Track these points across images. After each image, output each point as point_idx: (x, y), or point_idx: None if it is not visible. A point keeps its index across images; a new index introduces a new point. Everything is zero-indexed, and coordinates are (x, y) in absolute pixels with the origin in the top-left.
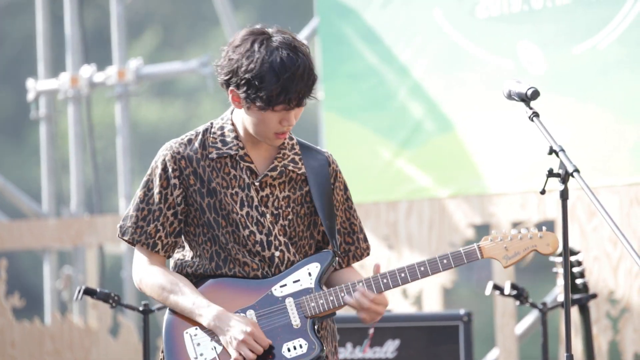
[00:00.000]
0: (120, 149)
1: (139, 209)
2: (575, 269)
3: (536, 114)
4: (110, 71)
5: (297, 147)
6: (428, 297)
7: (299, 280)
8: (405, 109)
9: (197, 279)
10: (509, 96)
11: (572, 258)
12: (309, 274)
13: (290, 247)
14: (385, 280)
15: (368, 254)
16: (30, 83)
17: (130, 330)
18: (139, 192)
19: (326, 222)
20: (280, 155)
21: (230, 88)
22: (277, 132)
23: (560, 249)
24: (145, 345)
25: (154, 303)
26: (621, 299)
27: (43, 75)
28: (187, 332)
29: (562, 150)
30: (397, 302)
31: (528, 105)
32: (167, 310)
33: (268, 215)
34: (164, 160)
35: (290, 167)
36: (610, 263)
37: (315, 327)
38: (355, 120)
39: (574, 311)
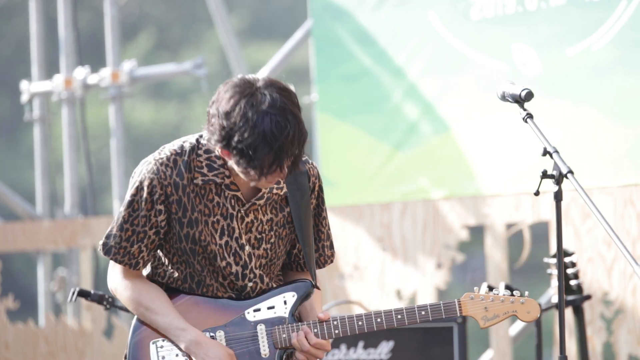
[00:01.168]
0: (114, 151)
1: (123, 230)
2: (569, 270)
3: (530, 116)
4: (104, 73)
5: None
6: (422, 298)
7: (273, 307)
8: (400, 110)
9: (169, 289)
10: (503, 98)
11: (566, 259)
12: (285, 302)
13: (265, 277)
14: (360, 324)
15: (332, 262)
16: (24, 85)
17: (124, 332)
18: (123, 212)
19: (305, 248)
20: None
21: (224, 150)
22: (267, 184)
23: (554, 252)
24: None
25: None
26: (615, 300)
27: (37, 77)
28: (153, 343)
29: (556, 151)
30: (392, 304)
31: (522, 106)
32: (135, 319)
33: (247, 247)
34: (150, 184)
35: (274, 190)
36: (604, 264)
37: (283, 358)
38: (349, 122)
39: (568, 312)
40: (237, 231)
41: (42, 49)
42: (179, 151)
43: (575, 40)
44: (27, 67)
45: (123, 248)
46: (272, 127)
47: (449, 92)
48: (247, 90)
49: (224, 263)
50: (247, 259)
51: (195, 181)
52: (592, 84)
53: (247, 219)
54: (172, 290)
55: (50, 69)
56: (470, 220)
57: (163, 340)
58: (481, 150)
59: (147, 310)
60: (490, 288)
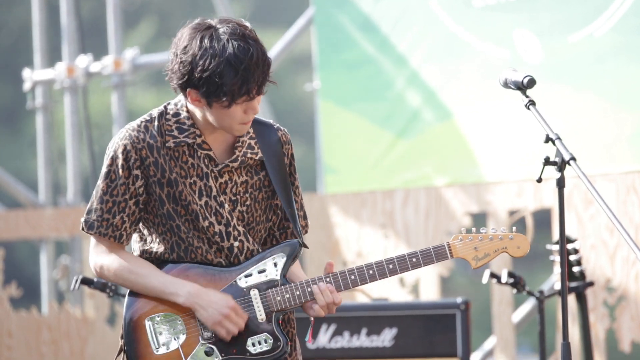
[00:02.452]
0: None
1: (103, 202)
2: (572, 257)
3: (532, 102)
4: (106, 61)
5: (251, 130)
6: (425, 285)
7: (264, 270)
8: (402, 98)
9: (158, 264)
10: (505, 85)
11: (569, 246)
12: (275, 264)
13: (249, 236)
14: (353, 277)
15: (306, 231)
16: (26, 73)
17: None
18: (101, 184)
19: (288, 209)
20: (240, 143)
21: (188, 90)
22: (242, 122)
23: (556, 239)
24: None
25: None
26: (618, 287)
27: (39, 65)
28: (148, 320)
29: (559, 138)
30: (394, 291)
31: (524, 93)
32: (128, 293)
33: (226, 205)
34: (124, 150)
35: (248, 155)
36: (607, 251)
37: (280, 321)
38: (351, 110)
39: (571, 299)
40: (214, 190)
41: (45, 37)
42: (148, 118)
43: (577, 27)
44: (30, 55)
45: (105, 220)
46: (236, 51)
47: (451, 80)
48: (204, 26)
49: (206, 223)
50: (228, 217)
51: (167, 144)
52: (594, 70)
53: (221, 180)
54: (160, 263)
55: (53, 57)
56: (473, 207)
57: (158, 316)
58: (483, 137)
59: (138, 276)
60: (494, 275)
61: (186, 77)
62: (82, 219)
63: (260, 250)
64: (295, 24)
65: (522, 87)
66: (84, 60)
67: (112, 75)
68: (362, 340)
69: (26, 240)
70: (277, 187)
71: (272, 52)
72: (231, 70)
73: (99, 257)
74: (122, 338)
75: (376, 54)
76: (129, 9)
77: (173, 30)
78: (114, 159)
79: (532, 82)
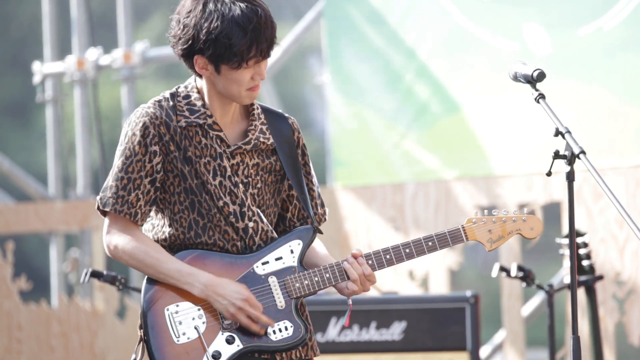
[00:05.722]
0: None
1: (119, 179)
2: (582, 251)
3: (542, 96)
4: (116, 54)
5: (262, 116)
6: (434, 279)
7: (281, 257)
8: (412, 91)
9: (171, 251)
10: (515, 78)
11: (579, 240)
12: (291, 251)
13: (264, 217)
14: (370, 262)
15: (325, 220)
16: (36, 66)
17: (137, 312)
18: (117, 162)
19: (301, 195)
20: (253, 127)
21: (195, 57)
22: (249, 88)
23: (566, 233)
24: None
25: None
26: (627, 281)
27: (49, 58)
28: (167, 309)
29: (568, 132)
30: (404, 284)
31: (534, 87)
32: (145, 282)
33: (241, 185)
34: (143, 126)
35: (261, 139)
36: (616, 244)
37: (299, 308)
38: (361, 103)
39: (581, 293)
40: (228, 170)
41: (55, 30)
42: (161, 98)
43: (587, 21)
44: (40, 48)
45: (121, 197)
46: (244, 11)
47: (460, 73)
48: None
49: (221, 203)
50: (243, 197)
51: (179, 124)
52: (604, 64)
53: (233, 161)
54: (173, 250)
55: (63, 50)
56: (482, 200)
57: (176, 305)
58: (493, 131)
59: (153, 260)
60: (503, 269)
61: (190, 42)
62: (97, 197)
63: (273, 232)
64: (305, 17)
65: (532, 80)
66: (93, 53)
67: (122, 68)
68: (372, 334)
69: (36, 233)
70: (289, 171)
71: (282, 45)
72: (240, 30)
73: (113, 237)
74: (140, 328)
75: (385, 47)
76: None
77: None
78: (130, 137)
79: (542, 76)
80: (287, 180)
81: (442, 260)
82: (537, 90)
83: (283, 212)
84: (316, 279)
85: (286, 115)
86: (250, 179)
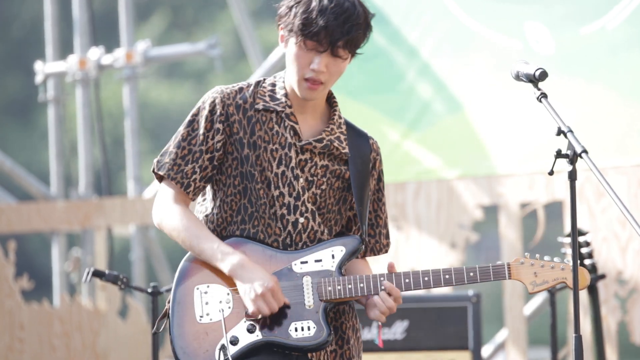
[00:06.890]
0: (128, 131)
1: (180, 147)
2: (584, 250)
3: (544, 95)
4: (118, 53)
5: (344, 127)
6: None
7: (320, 260)
8: (414, 90)
9: (216, 233)
10: (517, 77)
11: (581, 239)
12: (332, 256)
13: (317, 216)
14: (407, 281)
15: (386, 251)
16: (38, 65)
17: (139, 312)
18: (182, 130)
19: (359, 208)
20: (329, 129)
21: (280, 25)
22: (306, 78)
23: (568, 232)
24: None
25: (162, 285)
26: (630, 280)
27: (51, 58)
28: (197, 288)
29: (571, 131)
30: None
31: (536, 86)
32: (185, 258)
33: (301, 180)
34: (213, 102)
35: (335, 144)
36: (618, 244)
37: (327, 311)
38: (363, 102)
39: (583, 292)
40: (293, 161)
41: (56, 30)
42: (244, 84)
43: (589, 19)
44: (41, 48)
45: (177, 165)
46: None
47: (462, 71)
48: None
49: (277, 192)
50: (300, 191)
51: (256, 106)
52: (606, 63)
53: (302, 156)
54: (219, 234)
55: (65, 49)
56: (485, 199)
57: (207, 286)
58: (495, 130)
59: (195, 237)
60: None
61: (286, 17)
62: (155, 160)
63: (324, 234)
64: None
65: (534, 79)
66: (95, 53)
67: (124, 67)
68: (374, 333)
69: (38, 232)
70: (354, 185)
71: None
72: (316, 5)
73: (161, 208)
74: (168, 302)
75: (387, 46)
76: (141, 1)
77: (185, 23)
78: (200, 109)
79: (544, 75)
80: (351, 194)
81: (444, 259)
82: (539, 89)
83: (347, 231)
84: (349, 286)
85: (369, 135)
86: (315, 178)
